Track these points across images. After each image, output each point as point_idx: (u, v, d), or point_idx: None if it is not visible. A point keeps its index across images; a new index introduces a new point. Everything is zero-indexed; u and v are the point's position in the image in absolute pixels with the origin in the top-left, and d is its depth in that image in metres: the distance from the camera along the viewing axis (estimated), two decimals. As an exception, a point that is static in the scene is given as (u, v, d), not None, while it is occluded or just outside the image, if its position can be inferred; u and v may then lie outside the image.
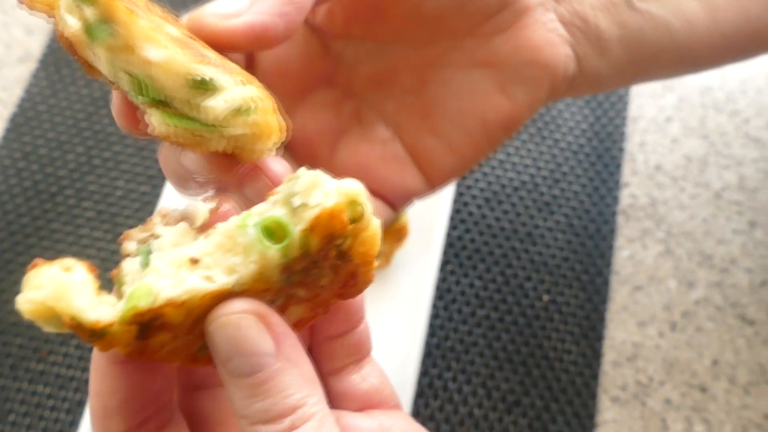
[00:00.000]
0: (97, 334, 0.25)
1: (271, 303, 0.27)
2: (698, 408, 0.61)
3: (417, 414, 0.60)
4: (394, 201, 0.40)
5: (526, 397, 0.61)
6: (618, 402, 0.61)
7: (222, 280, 0.26)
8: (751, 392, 0.62)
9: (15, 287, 0.62)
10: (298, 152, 0.38)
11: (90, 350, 0.60)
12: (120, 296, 0.27)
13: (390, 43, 0.39)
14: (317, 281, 0.28)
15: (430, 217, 0.63)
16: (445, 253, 0.65)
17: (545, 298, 0.64)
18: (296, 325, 0.29)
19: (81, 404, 0.59)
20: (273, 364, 0.26)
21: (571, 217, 0.68)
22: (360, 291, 0.29)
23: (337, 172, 0.37)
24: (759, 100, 0.74)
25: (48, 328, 0.26)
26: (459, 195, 0.68)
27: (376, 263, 0.29)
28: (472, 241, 0.66)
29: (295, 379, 0.27)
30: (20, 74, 0.72)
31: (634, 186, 0.70)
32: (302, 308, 0.29)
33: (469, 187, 0.68)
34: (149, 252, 0.27)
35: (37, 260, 0.26)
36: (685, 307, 0.65)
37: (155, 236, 0.27)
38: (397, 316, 0.60)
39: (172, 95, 0.28)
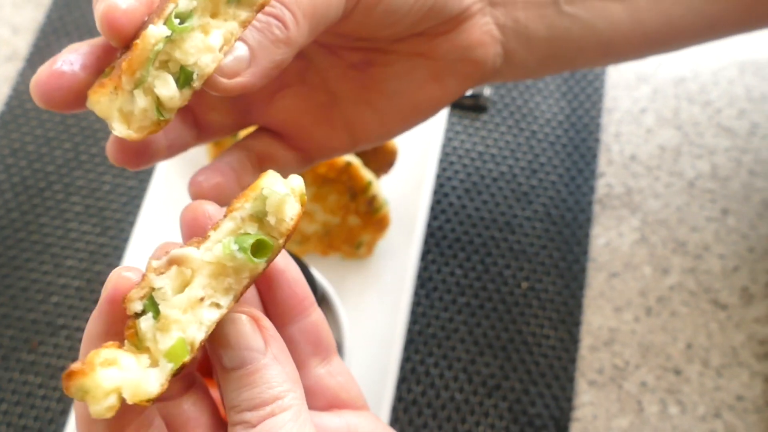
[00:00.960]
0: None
1: None
2: (673, 390, 0.63)
3: (400, 399, 0.61)
4: (313, 156, 0.44)
5: (506, 381, 0.63)
6: (595, 385, 0.63)
7: (226, 302, 0.30)
8: (724, 374, 0.64)
9: (5, 280, 0.63)
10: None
11: (79, 341, 0.61)
12: (143, 350, 0.29)
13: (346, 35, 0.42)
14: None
15: (411, 207, 0.64)
16: (427, 242, 0.67)
17: (524, 285, 0.66)
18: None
19: (71, 393, 0.60)
20: (261, 359, 0.31)
21: (548, 207, 0.69)
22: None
23: (270, 119, 0.41)
24: (731, 90, 0.76)
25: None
26: (440, 186, 0.69)
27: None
28: (453, 230, 0.68)
29: (280, 375, 0.31)
30: (7, 73, 0.73)
31: (610, 175, 0.72)
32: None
33: (449, 179, 0.70)
34: (156, 305, 0.29)
35: (74, 366, 0.27)
36: (659, 292, 0.67)
37: (153, 289, 0.30)
38: (379, 304, 0.62)
39: None
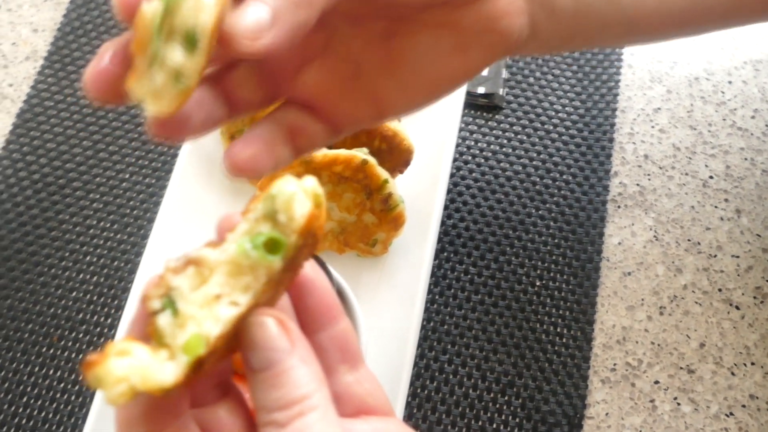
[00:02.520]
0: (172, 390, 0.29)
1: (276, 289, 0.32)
2: (686, 389, 0.63)
3: (414, 396, 0.62)
4: (341, 128, 0.43)
5: (519, 379, 0.63)
6: (608, 383, 0.63)
7: (245, 300, 0.30)
8: (737, 373, 0.64)
9: (25, 276, 0.64)
10: (264, 66, 0.41)
11: (98, 336, 0.62)
12: (164, 346, 0.30)
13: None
14: (298, 265, 0.33)
15: (426, 205, 0.65)
16: (441, 240, 0.67)
17: (538, 283, 0.67)
18: (287, 289, 0.34)
19: (90, 387, 0.61)
20: (288, 360, 0.31)
21: (562, 206, 0.70)
22: (315, 251, 0.34)
23: (297, 92, 0.41)
24: (745, 90, 0.76)
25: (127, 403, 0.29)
26: (454, 185, 0.70)
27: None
28: (467, 229, 0.68)
29: (306, 375, 0.31)
30: (27, 72, 0.74)
31: (624, 175, 0.72)
32: (287, 279, 0.33)
33: (463, 177, 0.70)
34: (174, 303, 0.30)
35: (90, 357, 0.29)
36: (673, 291, 0.67)
37: (171, 288, 0.31)
38: (394, 301, 0.62)
39: None
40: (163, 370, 0.29)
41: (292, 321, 0.32)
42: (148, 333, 0.30)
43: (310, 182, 0.31)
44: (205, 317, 0.30)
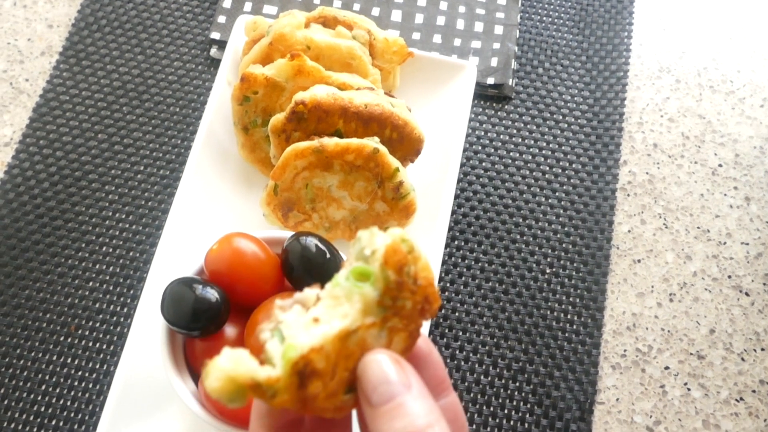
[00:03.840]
0: (271, 391, 0.32)
1: (379, 335, 0.35)
2: (696, 374, 0.64)
3: (426, 382, 0.63)
4: None
5: (530, 365, 0.64)
6: (618, 369, 0.64)
7: (340, 324, 0.33)
8: (747, 359, 0.64)
9: (43, 266, 0.65)
10: None
11: (115, 325, 0.63)
12: (270, 365, 0.33)
13: None
14: (404, 307, 0.35)
15: (437, 195, 0.65)
16: (452, 229, 0.68)
17: (548, 271, 0.67)
18: (403, 353, 0.37)
19: (107, 375, 0.62)
20: (406, 393, 0.33)
21: (572, 195, 0.70)
22: (435, 310, 0.37)
23: None
24: (754, 79, 0.77)
25: (232, 405, 0.32)
26: (464, 175, 0.71)
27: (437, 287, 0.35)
28: (477, 218, 0.69)
29: (426, 407, 0.33)
30: (43, 66, 0.76)
31: (633, 164, 0.72)
32: (402, 336, 0.36)
33: (473, 167, 0.71)
34: (281, 332, 0.34)
35: (207, 360, 0.32)
36: (682, 278, 0.67)
37: (279, 322, 0.34)
38: (406, 289, 0.63)
39: None
40: (257, 366, 0.32)
41: (405, 361, 0.35)
42: (261, 360, 0.33)
43: (396, 229, 0.36)
44: (303, 334, 0.33)
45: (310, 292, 0.36)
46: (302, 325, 0.34)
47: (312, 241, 0.54)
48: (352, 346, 0.34)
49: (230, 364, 0.32)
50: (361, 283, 0.34)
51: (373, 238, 0.35)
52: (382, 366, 0.34)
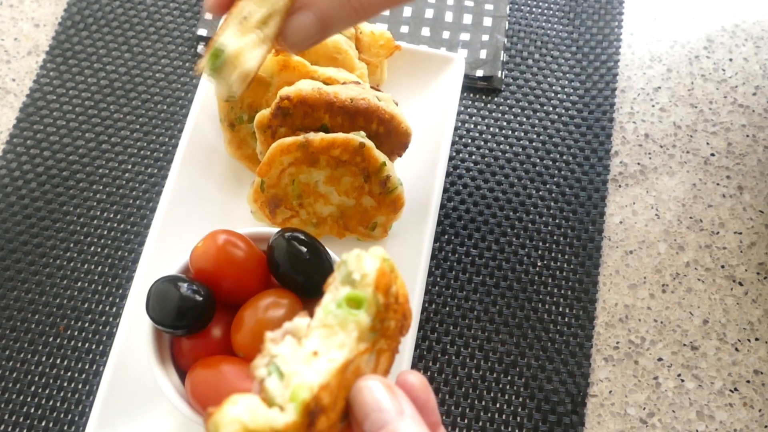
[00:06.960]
0: None
1: (369, 359, 0.36)
2: (689, 365, 0.63)
3: (417, 377, 0.62)
4: (328, 26, 0.49)
5: (522, 358, 0.63)
6: (611, 361, 0.63)
7: (340, 356, 0.33)
8: (741, 349, 0.64)
9: (31, 267, 0.65)
10: None
11: (104, 325, 0.63)
12: (276, 405, 0.33)
13: None
14: (389, 328, 0.36)
15: (426, 188, 0.65)
16: (441, 223, 0.68)
17: (539, 264, 0.67)
18: (386, 372, 0.37)
19: (97, 375, 0.61)
20: (399, 420, 0.33)
21: (562, 186, 0.70)
22: (410, 324, 0.39)
23: None
24: (746, 68, 0.76)
25: None
26: (454, 168, 0.70)
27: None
28: (467, 211, 0.68)
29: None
30: (30, 66, 0.75)
31: (624, 154, 0.72)
32: (386, 356, 0.37)
33: (463, 160, 0.71)
34: (278, 367, 0.33)
35: (209, 410, 0.32)
36: (675, 269, 0.67)
37: (274, 356, 0.34)
38: (395, 284, 0.63)
39: None
40: (274, 414, 0.32)
41: (397, 387, 0.35)
42: (261, 400, 0.33)
43: (376, 249, 0.36)
44: (307, 371, 0.33)
45: (300, 322, 0.35)
46: (301, 360, 0.33)
47: (297, 237, 0.53)
48: (349, 375, 0.34)
49: (246, 414, 0.31)
50: (356, 310, 0.34)
51: (360, 261, 0.35)
52: (374, 393, 0.34)
